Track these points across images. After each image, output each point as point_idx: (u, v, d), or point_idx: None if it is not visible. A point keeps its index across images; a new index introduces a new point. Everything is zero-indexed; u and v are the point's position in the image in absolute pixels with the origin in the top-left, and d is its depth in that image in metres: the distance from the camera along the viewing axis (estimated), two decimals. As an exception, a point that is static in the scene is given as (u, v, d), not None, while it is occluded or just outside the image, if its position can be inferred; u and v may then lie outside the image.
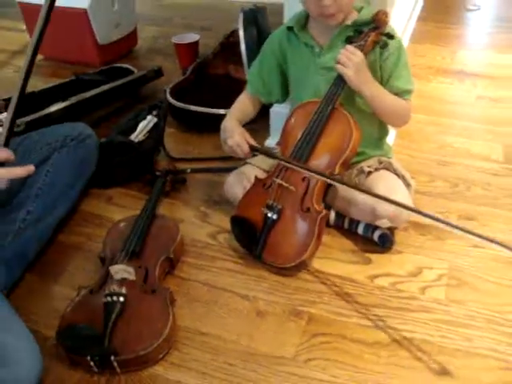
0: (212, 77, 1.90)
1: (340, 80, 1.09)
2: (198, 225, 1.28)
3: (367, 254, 1.16)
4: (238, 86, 1.69)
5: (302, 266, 1.12)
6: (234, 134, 1.15)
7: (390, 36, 1.12)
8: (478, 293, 1.06)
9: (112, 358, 0.90)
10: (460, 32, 2.35)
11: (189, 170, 1.45)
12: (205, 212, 1.31)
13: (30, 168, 0.99)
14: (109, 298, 0.96)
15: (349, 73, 1.06)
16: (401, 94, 1.15)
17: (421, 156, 1.48)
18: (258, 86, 1.26)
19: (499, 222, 1.23)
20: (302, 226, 1.08)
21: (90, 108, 1.69)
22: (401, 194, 1.11)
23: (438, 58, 2.06)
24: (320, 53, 1.17)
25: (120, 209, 1.33)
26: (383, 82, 1.14)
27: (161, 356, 0.95)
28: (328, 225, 1.21)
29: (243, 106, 1.28)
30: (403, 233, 1.20)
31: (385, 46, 1.12)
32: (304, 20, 1.18)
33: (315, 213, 1.07)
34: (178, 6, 2.89)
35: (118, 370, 0.91)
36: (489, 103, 1.74)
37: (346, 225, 1.20)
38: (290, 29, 1.19)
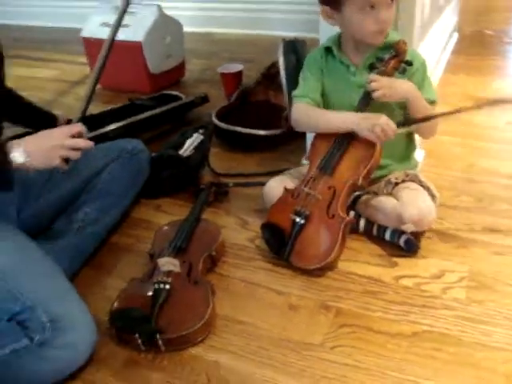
0: (254, 103, 2.04)
1: (365, 98, 1.21)
2: (237, 230, 1.39)
3: (394, 258, 1.24)
4: (276, 111, 1.85)
5: (332, 267, 1.21)
6: (377, 116, 1.20)
7: (409, 63, 1.24)
8: (498, 294, 1.12)
9: (157, 336, 1.01)
10: (494, 63, 2.44)
11: (231, 184, 1.57)
12: (244, 220, 1.43)
13: (91, 143, 1.12)
14: (156, 286, 1.08)
15: (378, 94, 1.17)
16: (430, 104, 1.26)
17: (448, 174, 1.56)
18: (317, 98, 1.34)
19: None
20: (327, 231, 1.19)
21: (142, 129, 1.84)
22: (425, 201, 1.20)
23: (470, 87, 2.15)
24: (355, 71, 1.29)
25: (167, 215, 1.46)
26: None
27: (200, 338, 1.05)
28: (358, 231, 1.31)
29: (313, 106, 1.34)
30: (428, 240, 1.28)
31: (403, 71, 1.24)
32: (339, 42, 1.31)
33: (339, 219, 1.17)
34: (224, 41, 3.10)
35: (163, 348, 1.03)
36: (518, 128, 1.82)
37: (374, 231, 1.29)
38: (327, 49, 1.32)
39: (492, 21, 3.01)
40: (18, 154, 1.01)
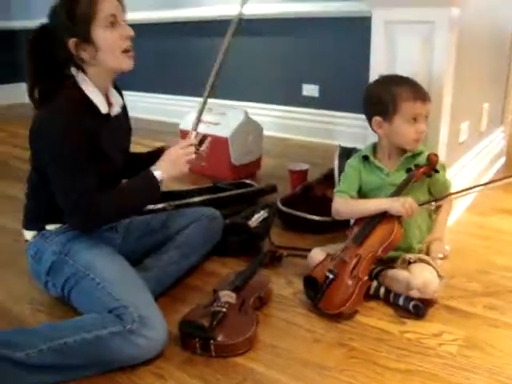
0: (313, 196, 2.42)
1: (395, 194, 1.60)
2: (284, 287, 1.74)
3: (403, 319, 1.54)
4: (330, 204, 2.22)
5: (351, 317, 1.54)
6: (402, 200, 1.56)
7: (437, 171, 1.63)
8: (485, 354, 1.39)
9: (211, 341, 1.37)
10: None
11: (285, 254, 1.95)
12: (290, 280, 1.78)
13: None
14: (215, 309, 1.45)
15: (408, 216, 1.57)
16: (447, 190, 1.67)
17: (465, 264, 1.85)
18: (352, 192, 1.72)
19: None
20: (348, 286, 1.53)
21: (220, 206, 2.27)
22: (430, 274, 1.54)
23: (503, 201, 2.46)
24: (389, 173, 1.68)
25: (231, 270, 1.83)
26: (438, 185, 1.69)
27: (242, 350, 1.39)
28: (379, 297, 1.64)
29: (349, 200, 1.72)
30: (435, 310, 1.58)
31: (430, 176, 1.64)
32: (373, 151, 1.72)
33: (358, 279, 1.53)
34: (296, 145, 3.63)
35: (213, 353, 1.38)
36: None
37: (391, 298, 1.61)
38: (364, 157, 1.73)
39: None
40: (158, 176, 1.50)
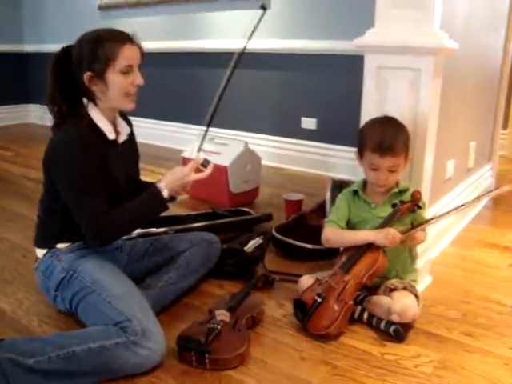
0: (307, 225, 2.55)
1: (379, 228, 1.74)
2: (275, 309, 1.87)
3: (384, 341, 1.67)
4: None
5: (336, 338, 1.67)
6: (385, 231, 1.70)
7: (419, 207, 1.78)
8: (458, 375, 1.51)
9: (206, 355, 1.49)
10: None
11: (277, 279, 2.07)
12: (281, 303, 1.91)
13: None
14: (211, 325, 1.58)
15: (391, 245, 1.70)
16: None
17: (446, 295, 1.98)
18: (341, 222, 1.86)
19: (490, 338, 1.70)
20: (334, 310, 1.66)
21: (218, 231, 2.40)
22: (409, 300, 1.67)
23: (488, 235, 2.60)
24: (376, 207, 1.82)
25: (226, 292, 1.96)
26: (419, 220, 1.81)
27: (234, 365, 1.51)
28: (362, 321, 1.76)
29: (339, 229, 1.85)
30: (414, 335, 1.70)
31: (414, 211, 1.78)
32: (363, 186, 1.86)
33: (343, 303, 1.66)
34: (292, 175, 3.80)
35: (208, 366, 1.50)
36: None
37: (374, 322, 1.73)
38: (354, 191, 1.87)
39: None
40: (162, 187, 1.66)
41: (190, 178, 1.71)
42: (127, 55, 1.60)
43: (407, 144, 1.78)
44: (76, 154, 1.58)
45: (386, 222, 1.76)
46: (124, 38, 1.62)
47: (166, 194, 1.66)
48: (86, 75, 1.60)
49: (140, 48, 1.66)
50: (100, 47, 1.58)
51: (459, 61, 2.25)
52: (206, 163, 1.75)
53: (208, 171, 1.74)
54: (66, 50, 1.65)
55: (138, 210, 1.67)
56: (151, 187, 1.69)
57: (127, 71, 1.61)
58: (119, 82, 1.61)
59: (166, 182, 1.68)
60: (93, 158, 1.60)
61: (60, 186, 1.62)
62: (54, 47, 1.71)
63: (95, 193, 1.60)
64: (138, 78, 1.65)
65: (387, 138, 1.72)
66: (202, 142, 1.83)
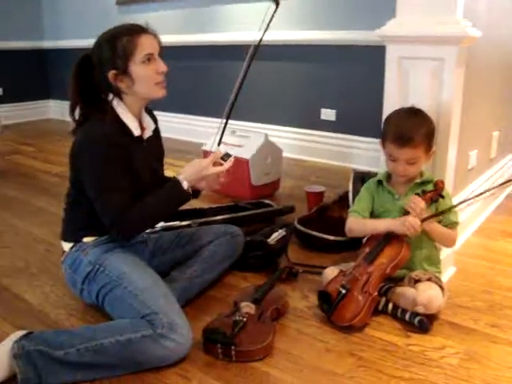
0: (329, 217, 2.56)
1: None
2: (299, 301, 1.87)
3: (408, 332, 1.67)
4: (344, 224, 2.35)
5: (361, 330, 1.67)
6: (402, 219, 1.71)
7: (442, 197, 1.76)
8: (483, 366, 1.51)
9: (232, 348, 1.50)
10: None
11: (301, 270, 2.08)
12: (306, 294, 1.91)
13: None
14: (236, 318, 1.59)
15: (414, 214, 1.70)
16: (453, 224, 1.78)
17: (470, 285, 1.97)
18: (365, 214, 1.87)
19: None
20: (359, 301, 1.66)
21: (240, 224, 2.41)
22: (434, 291, 1.67)
23: (510, 226, 2.58)
24: (399, 198, 1.82)
25: (250, 284, 1.97)
26: (439, 209, 1.77)
27: (260, 357, 1.52)
28: (387, 313, 1.76)
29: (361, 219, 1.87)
30: (439, 326, 1.70)
31: (436, 201, 1.76)
32: (387, 177, 1.86)
33: (368, 295, 1.66)
34: (313, 167, 3.78)
35: (234, 358, 1.51)
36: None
37: (398, 314, 1.73)
38: (379, 181, 1.87)
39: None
40: (181, 179, 1.67)
41: (209, 172, 1.71)
42: (145, 45, 1.62)
43: (430, 137, 1.77)
44: (100, 150, 1.60)
45: (408, 212, 1.75)
46: (138, 29, 1.63)
47: (186, 185, 1.67)
48: (111, 73, 1.61)
49: (156, 37, 1.67)
50: (118, 43, 1.59)
51: (482, 49, 2.22)
52: (226, 157, 1.75)
53: (227, 165, 1.74)
54: (86, 58, 1.67)
55: (160, 202, 1.68)
56: (171, 180, 1.70)
57: (149, 59, 1.63)
58: (143, 73, 1.62)
59: (185, 174, 1.69)
60: (117, 155, 1.61)
61: (85, 182, 1.64)
62: (73, 43, 1.73)
63: (119, 189, 1.61)
64: (160, 66, 1.66)
65: (407, 130, 1.72)
66: (222, 134, 1.82)
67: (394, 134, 1.73)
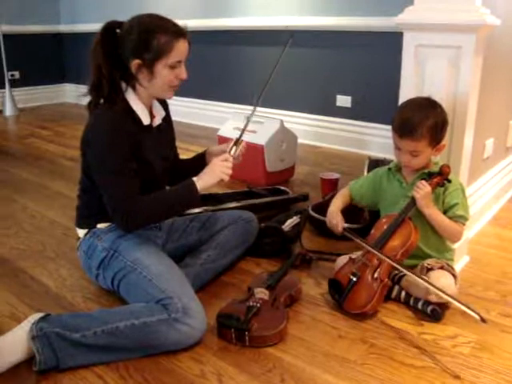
0: (343, 204, 2.58)
1: (411, 203, 1.73)
2: (312, 287, 1.89)
3: (421, 321, 1.68)
4: (360, 212, 2.36)
5: (373, 317, 1.68)
6: (333, 218, 1.83)
7: (449, 181, 1.75)
8: (495, 356, 1.52)
9: (246, 333, 1.52)
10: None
11: (314, 257, 2.09)
12: (319, 281, 1.93)
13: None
14: (250, 303, 1.61)
15: (418, 196, 1.69)
16: (459, 218, 1.75)
17: (483, 275, 1.97)
18: (356, 191, 1.94)
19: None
20: (370, 288, 1.67)
21: (254, 210, 2.42)
22: (446, 279, 1.67)
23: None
24: (406, 186, 1.82)
25: (264, 270, 1.99)
26: (447, 207, 1.76)
27: (273, 342, 1.54)
28: (400, 301, 1.77)
29: (344, 198, 1.97)
30: (451, 315, 1.71)
31: (443, 185, 1.76)
32: (398, 165, 1.86)
33: (379, 281, 1.67)
34: (328, 154, 3.78)
35: (247, 343, 1.53)
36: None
37: (411, 302, 1.74)
38: (389, 169, 1.87)
39: None
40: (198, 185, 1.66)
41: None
42: (180, 51, 1.61)
43: (437, 131, 1.72)
44: (108, 138, 1.60)
45: (409, 206, 1.75)
46: (179, 33, 1.61)
47: (199, 190, 1.67)
48: (135, 62, 1.60)
49: (190, 43, 1.66)
50: (154, 38, 1.57)
51: (499, 37, 2.20)
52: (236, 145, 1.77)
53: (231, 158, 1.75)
54: (111, 29, 1.63)
55: (169, 201, 1.69)
56: (187, 181, 1.68)
57: (176, 66, 1.63)
58: (166, 75, 1.62)
59: (203, 182, 1.68)
60: (125, 143, 1.60)
61: (92, 168, 1.65)
62: (90, 27, 1.72)
63: (125, 176, 1.61)
64: (183, 73, 1.66)
65: (410, 121, 1.69)
66: (245, 126, 1.82)
67: (397, 124, 1.73)
